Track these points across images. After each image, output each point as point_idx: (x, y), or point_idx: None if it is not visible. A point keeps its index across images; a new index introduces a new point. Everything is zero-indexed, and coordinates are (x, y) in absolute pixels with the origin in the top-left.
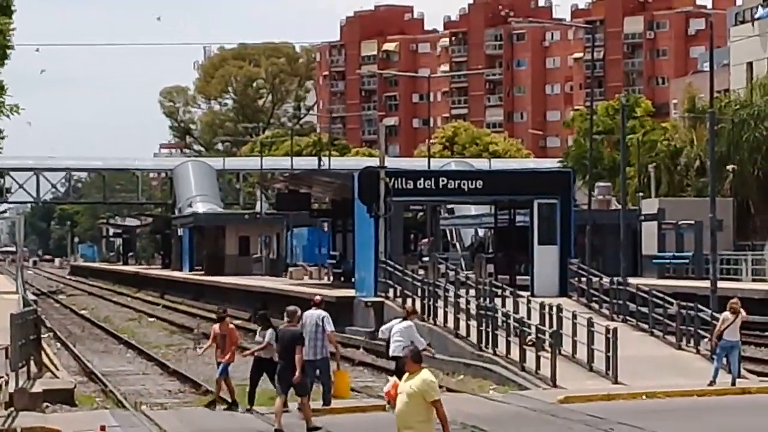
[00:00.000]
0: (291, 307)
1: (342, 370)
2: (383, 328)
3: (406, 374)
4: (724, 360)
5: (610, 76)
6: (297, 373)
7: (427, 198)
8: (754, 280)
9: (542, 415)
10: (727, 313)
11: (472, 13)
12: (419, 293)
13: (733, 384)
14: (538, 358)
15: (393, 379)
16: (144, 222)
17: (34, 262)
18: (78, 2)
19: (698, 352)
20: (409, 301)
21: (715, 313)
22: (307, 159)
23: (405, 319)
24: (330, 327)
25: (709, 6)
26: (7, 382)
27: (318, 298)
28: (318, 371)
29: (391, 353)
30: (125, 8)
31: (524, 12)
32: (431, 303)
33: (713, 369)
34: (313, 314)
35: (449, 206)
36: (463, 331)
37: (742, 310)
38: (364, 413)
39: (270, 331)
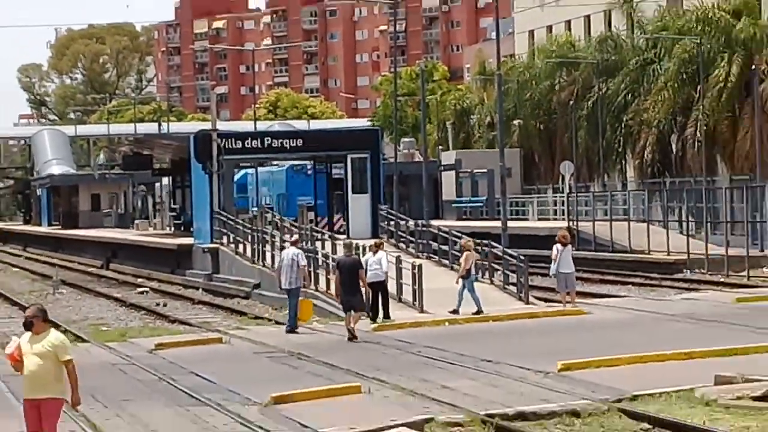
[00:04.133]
0: (347, 240)
1: (307, 299)
2: (362, 259)
3: (29, 335)
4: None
5: (411, 46)
6: (362, 293)
7: (254, 156)
8: (539, 220)
9: (362, 343)
10: (468, 252)
11: None
12: (249, 239)
13: (457, 312)
14: None
15: (15, 339)
16: (6, 184)
17: None
18: None
19: (492, 282)
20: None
21: (506, 249)
22: (148, 125)
23: (376, 252)
24: (303, 262)
25: None
26: None
27: (294, 237)
28: (291, 298)
29: (369, 279)
30: None
31: None
32: (260, 248)
33: (474, 300)
34: (290, 251)
35: (274, 162)
36: (276, 272)
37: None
38: (204, 345)
39: None
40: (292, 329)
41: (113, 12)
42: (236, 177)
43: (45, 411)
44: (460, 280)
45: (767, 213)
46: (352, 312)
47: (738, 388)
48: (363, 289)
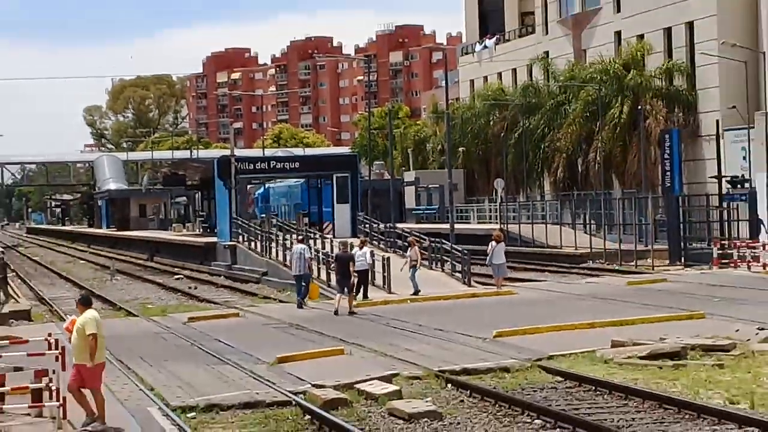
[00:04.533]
0: (342, 240)
1: (314, 283)
2: (352, 252)
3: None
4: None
5: (381, 92)
6: (351, 279)
7: (262, 175)
8: (479, 223)
9: (345, 317)
10: (415, 247)
11: (290, 52)
12: (259, 238)
13: (417, 294)
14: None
15: (72, 316)
16: (75, 197)
17: (2, 226)
18: (23, 45)
19: (443, 270)
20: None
21: (453, 245)
22: (182, 152)
23: (362, 247)
24: (309, 255)
25: (445, 43)
26: None
27: (300, 237)
28: (302, 282)
29: (356, 268)
30: (54, 48)
31: (324, 50)
32: (267, 244)
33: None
34: (298, 247)
35: (278, 180)
36: (288, 262)
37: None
38: (225, 319)
39: None
40: (300, 303)
41: (156, 66)
42: (260, 190)
43: (84, 374)
44: (411, 269)
45: (650, 217)
46: (345, 293)
47: (629, 350)
48: (352, 277)
